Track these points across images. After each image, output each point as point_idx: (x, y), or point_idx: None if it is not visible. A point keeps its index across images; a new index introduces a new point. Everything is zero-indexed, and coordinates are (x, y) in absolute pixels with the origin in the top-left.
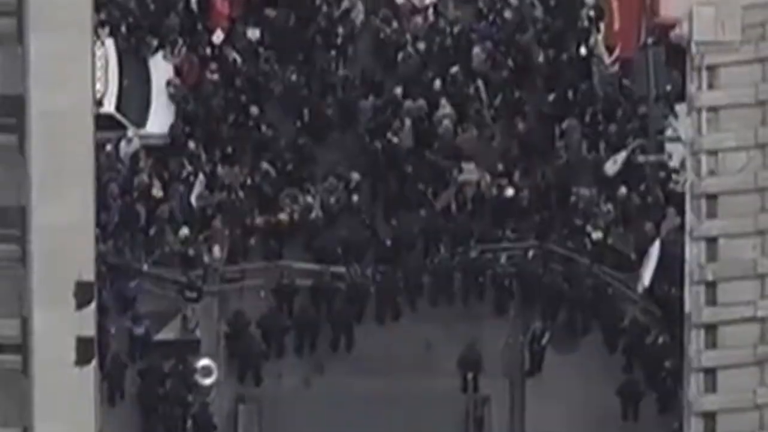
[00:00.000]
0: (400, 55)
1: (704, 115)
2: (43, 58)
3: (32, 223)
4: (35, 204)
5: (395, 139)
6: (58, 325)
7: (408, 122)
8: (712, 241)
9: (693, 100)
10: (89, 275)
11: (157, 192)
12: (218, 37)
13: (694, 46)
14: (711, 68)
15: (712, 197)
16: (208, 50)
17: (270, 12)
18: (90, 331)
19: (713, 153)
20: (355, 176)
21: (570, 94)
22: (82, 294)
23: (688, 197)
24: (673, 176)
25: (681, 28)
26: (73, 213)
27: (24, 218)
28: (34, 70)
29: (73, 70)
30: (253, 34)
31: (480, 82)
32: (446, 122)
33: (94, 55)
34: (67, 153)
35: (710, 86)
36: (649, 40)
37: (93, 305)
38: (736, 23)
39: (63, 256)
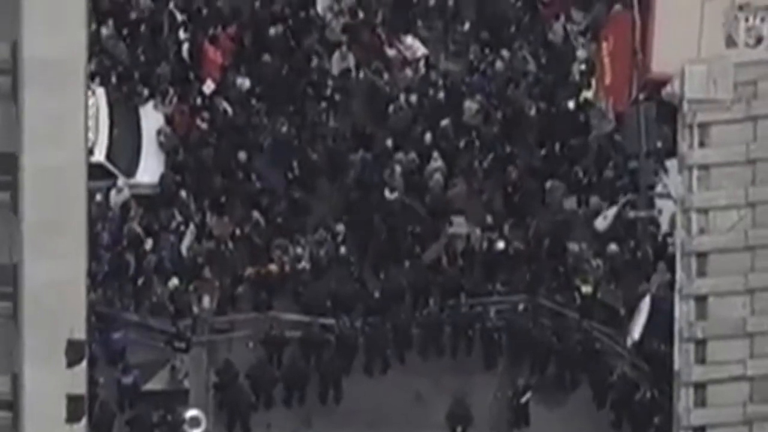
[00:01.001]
0: (391, 108)
1: (695, 173)
2: (38, 115)
3: (24, 280)
4: (27, 261)
5: (386, 192)
6: (49, 382)
7: (398, 174)
8: (701, 299)
9: (684, 157)
10: (80, 333)
11: (146, 242)
12: (209, 87)
13: (686, 103)
14: (702, 126)
15: (702, 255)
16: (199, 100)
17: (266, 58)
18: (81, 389)
19: (704, 211)
20: (341, 228)
21: (561, 148)
22: (74, 352)
23: (678, 255)
24: (665, 237)
25: (673, 85)
26: (65, 271)
27: (16, 275)
28: (28, 128)
29: (67, 128)
30: (244, 84)
31: (472, 135)
32: (437, 176)
33: (87, 109)
34: (61, 209)
35: (701, 144)
36: (641, 96)
37: (84, 363)
38: (728, 81)
39: (55, 313)
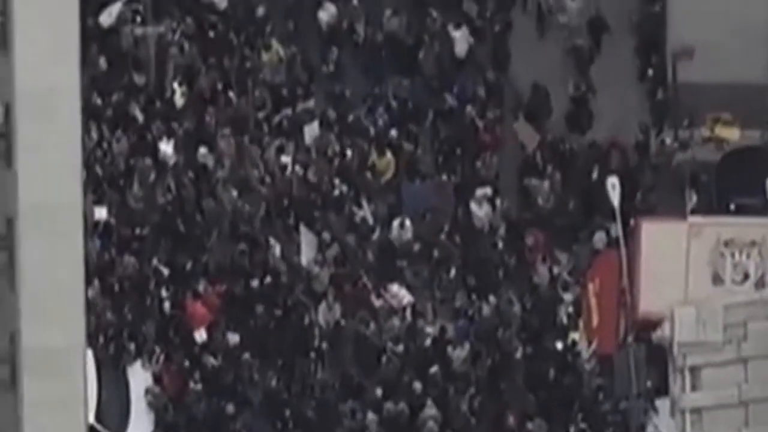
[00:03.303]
0: (381, 358)
1: (688, 416)
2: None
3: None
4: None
5: None
6: None
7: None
8: None
9: (676, 401)
10: None
11: None
12: (201, 335)
13: (677, 346)
14: (693, 369)
15: None
16: (187, 359)
17: (256, 311)
18: None
19: None
20: None
21: (551, 390)
22: None
23: None
24: None
25: (663, 329)
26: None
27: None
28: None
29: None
30: (233, 338)
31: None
32: (431, 423)
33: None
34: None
35: (693, 387)
36: (630, 336)
37: None
38: (717, 323)
39: None
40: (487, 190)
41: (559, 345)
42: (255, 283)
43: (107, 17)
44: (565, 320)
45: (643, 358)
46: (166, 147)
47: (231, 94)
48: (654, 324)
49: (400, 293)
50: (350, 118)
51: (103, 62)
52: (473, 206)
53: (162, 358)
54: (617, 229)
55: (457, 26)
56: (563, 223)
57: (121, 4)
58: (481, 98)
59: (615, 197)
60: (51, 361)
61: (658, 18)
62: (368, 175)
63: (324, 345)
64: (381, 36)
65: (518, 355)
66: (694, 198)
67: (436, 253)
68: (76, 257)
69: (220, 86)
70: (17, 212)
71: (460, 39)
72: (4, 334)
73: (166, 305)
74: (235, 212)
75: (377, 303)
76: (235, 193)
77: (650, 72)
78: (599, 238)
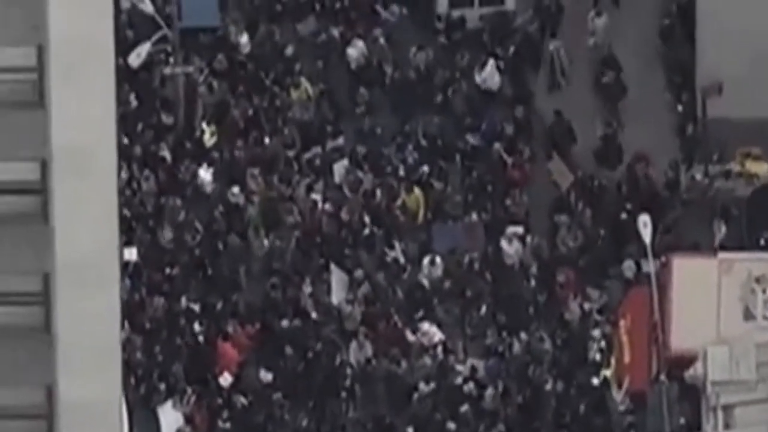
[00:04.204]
0: (413, 396)
1: None
2: None
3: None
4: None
5: None
6: None
7: None
8: None
9: None
10: None
11: None
12: (226, 379)
13: (710, 386)
14: (726, 408)
15: None
16: (219, 399)
17: (286, 351)
18: None
19: None
20: None
21: (582, 429)
22: None
23: None
24: None
25: (695, 368)
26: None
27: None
28: None
29: None
30: (266, 377)
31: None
32: None
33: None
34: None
35: (726, 426)
36: (662, 372)
37: None
38: (750, 362)
39: None
40: (518, 229)
41: (595, 381)
42: (285, 322)
43: (136, 58)
44: (597, 357)
45: (675, 396)
46: (205, 174)
47: (260, 132)
48: (686, 360)
49: (430, 330)
50: (379, 155)
51: (132, 101)
52: (503, 244)
53: (193, 398)
54: (649, 266)
55: (484, 63)
56: (594, 259)
57: (149, 44)
58: (510, 135)
59: (647, 235)
60: (88, 415)
61: (687, 54)
62: (398, 212)
63: (355, 384)
64: (409, 73)
65: (549, 392)
66: (723, 229)
67: (466, 290)
68: (113, 311)
69: (249, 125)
70: (54, 268)
71: (490, 72)
72: (40, 388)
73: (197, 345)
74: (265, 251)
75: (409, 340)
76: (264, 232)
77: (680, 107)
78: (628, 266)
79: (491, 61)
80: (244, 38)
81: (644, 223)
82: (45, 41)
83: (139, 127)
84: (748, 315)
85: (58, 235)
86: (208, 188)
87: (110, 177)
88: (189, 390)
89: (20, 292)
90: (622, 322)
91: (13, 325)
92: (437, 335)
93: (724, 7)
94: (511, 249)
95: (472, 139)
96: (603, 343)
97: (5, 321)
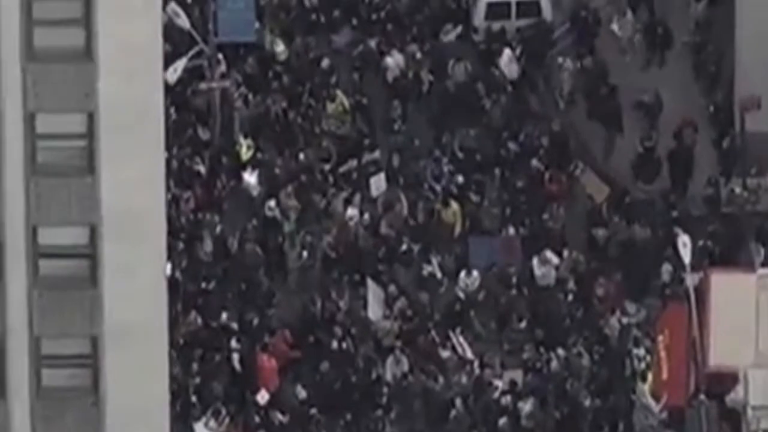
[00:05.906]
0: (450, 412)
1: None
2: None
3: None
4: None
5: None
6: None
7: None
8: None
9: None
10: None
11: None
12: (263, 397)
13: (750, 410)
14: None
15: None
16: (256, 416)
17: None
18: None
19: None
20: None
21: None
22: None
23: None
24: None
25: (736, 391)
26: None
27: None
28: None
29: None
30: (300, 393)
31: None
32: None
33: None
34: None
35: None
36: (701, 393)
37: None
38: None
39: None
40: (554, 257)
41: (645, 400)
42: (322, 337)
43: (172, 73)
44: (634, 371)
45: (715, 416)
46: (250, 177)
47: (296, 146)
48: (725, 378)
49: (465, 344)
50: (415, 168)
51: (171, 115)
52: (535, 264)
53: (227, 419)
54: (687, 282)
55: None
56: (632, 273)
57: (185, 60)
58: (547, 148)
59: (686, 255)
60: None
61: (725, 67)
62: (434, 225)
63: (392, 400)
64: (447, 85)
65: (587, 407)
66: (762, 251)
67: (503, 304)
68: (162, 373)
69: (285, 138)
70: (102, 331)
71: (506, 61)
72: None
73: (235, 361)
74: (300, 265)
75: (445, 354)
76: (300, 245)
77: (717, 121)
78: (666, 270)
79: (507, 51)
80: (281, 48)
81: (684, 244)
82: (95, 108)
83: (176, 142)
84: None
85: (108, 300)
86: (254, 192)
87: (159, 240)
88: (225, 407)
89: (70, 354)
90: (660, 338)
91: (62, 387)
92: (468, 351)
93: (763, 21)
94: (540, 271)
95: (513, 146)
96: (643, 359)
97: (55, 383)
